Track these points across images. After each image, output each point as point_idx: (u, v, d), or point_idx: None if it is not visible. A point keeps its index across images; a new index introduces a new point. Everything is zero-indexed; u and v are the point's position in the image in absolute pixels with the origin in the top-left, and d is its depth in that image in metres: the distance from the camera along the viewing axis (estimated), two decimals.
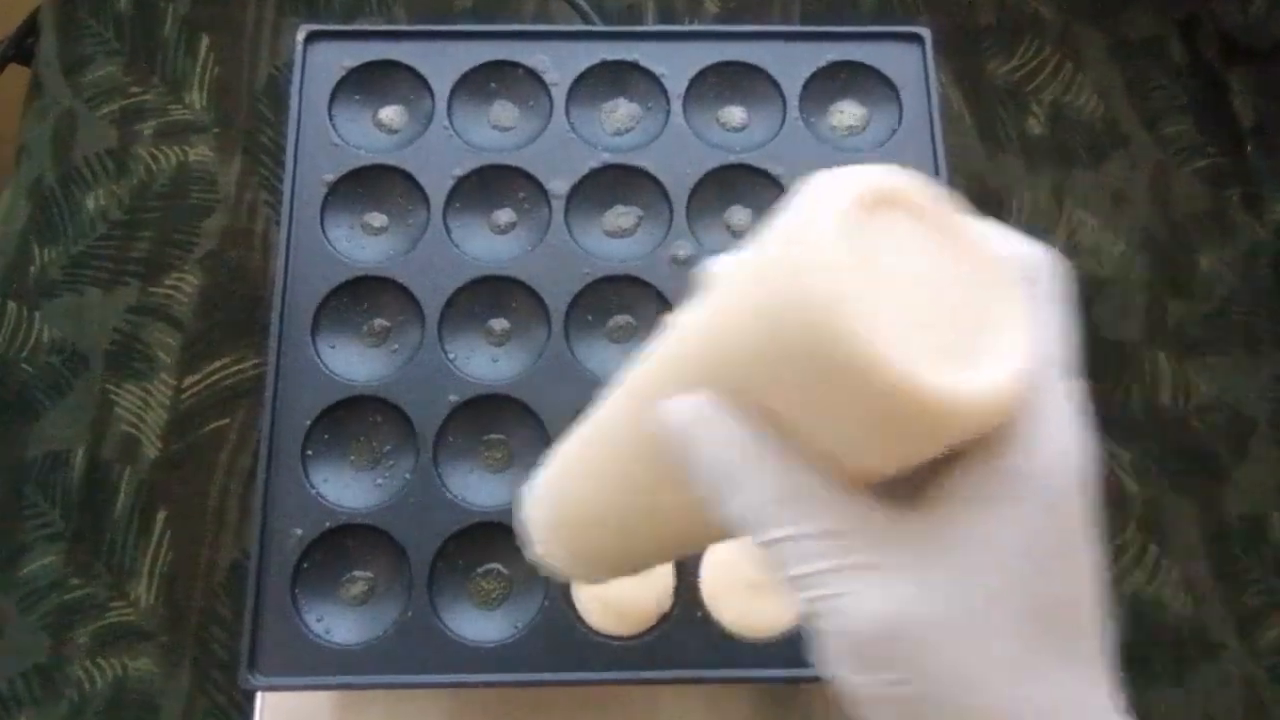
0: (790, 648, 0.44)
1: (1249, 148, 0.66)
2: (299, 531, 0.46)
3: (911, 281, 0.23)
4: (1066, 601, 0.23)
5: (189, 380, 0.60)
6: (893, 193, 0.23)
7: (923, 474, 0.24)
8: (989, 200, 0.65)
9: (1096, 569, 0.24)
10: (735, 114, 0.54)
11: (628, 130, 0.54)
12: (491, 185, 0.52)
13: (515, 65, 0.54)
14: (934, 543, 0.23)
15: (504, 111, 0.54)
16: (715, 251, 0.51)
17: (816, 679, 0.45)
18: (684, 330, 0.27)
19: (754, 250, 0.24)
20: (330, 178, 0.51)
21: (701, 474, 0.25)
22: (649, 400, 0.27)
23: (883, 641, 0.23)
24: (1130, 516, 0.58)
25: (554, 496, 0.34)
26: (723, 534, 0.27)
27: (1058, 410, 0.24)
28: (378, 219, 0.52)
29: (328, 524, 0.46)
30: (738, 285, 0.25)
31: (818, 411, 0.23)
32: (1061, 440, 0.23)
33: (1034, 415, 0.23)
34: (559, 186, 0.51)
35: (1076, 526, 0.24)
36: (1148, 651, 0.56)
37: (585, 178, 0.52)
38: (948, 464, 0.24)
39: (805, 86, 0.53)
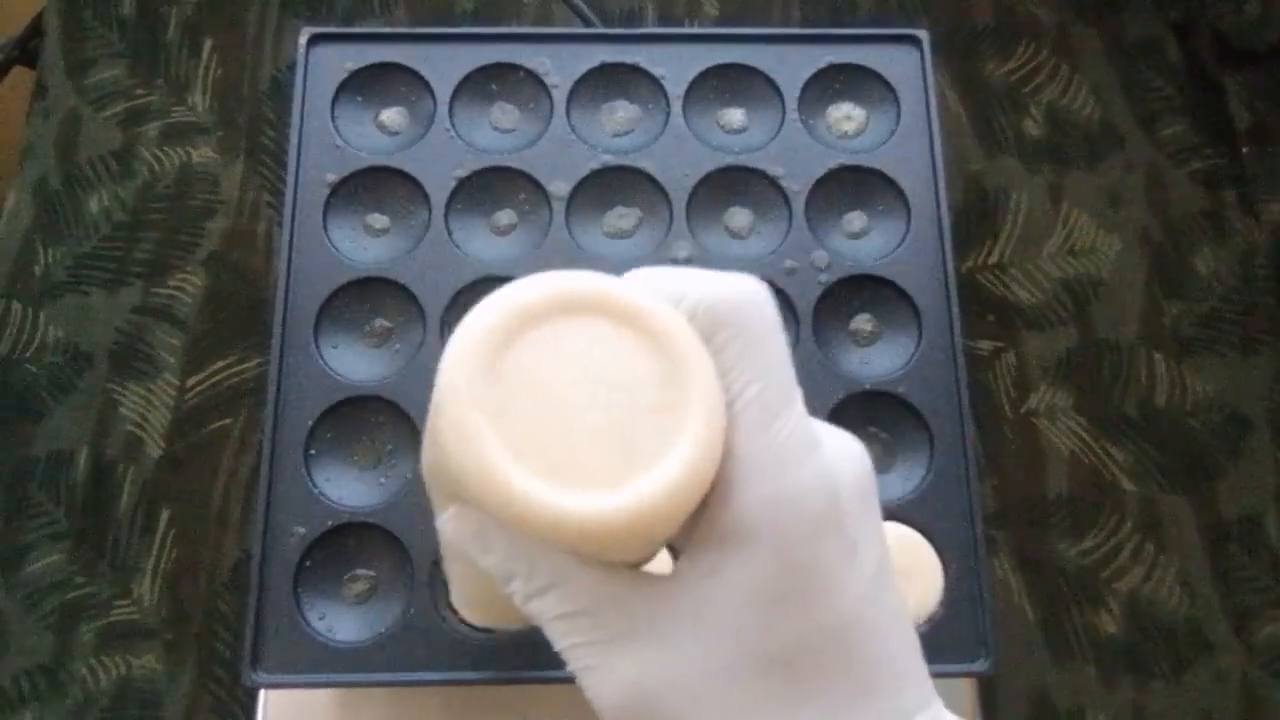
0: None
1: (1245, 149, 0.66)
2: (301, 530, 0.46)
3: (579, 388, 0.24)
4: (806, 643, 0.23)
5: (192, 380, 0.60)
6: (559, 301, 0.25)
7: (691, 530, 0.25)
8: (986, 201, 0.65)
9: (863, 586, 0.24)
10: (735, 116, 0.54)
11: (628, 132, 0.54)
12: (492, 187, 0.52)
13: (516, 67, 0.54)
14: (672, 606, 0.24)
15: (505, 113, 0.54)
16: (715, 252, 0.51)
17: None
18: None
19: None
20: (332, 179, 0.52)
21: (490, 570, 0.26)
22: (437, 505, 0.28)
23: (629, 708, 0.24)
24: (1127, 516, 0.59)
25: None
26: None
27: (763, 458, 0.24)
28: (379, 220, 0.52)
29: (330, 523, 0.46)
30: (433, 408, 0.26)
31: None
32: (770, 485, 0.24)
33: (738, 470, 0.24)
34: (560, 188, 0.52)
35: (809, 565, 0.23)
36: (1144, 650, 0.56)
37: (586, 179, 0.52)
38: (686, 530, 0.25)
39: (804, 88, 0.54)
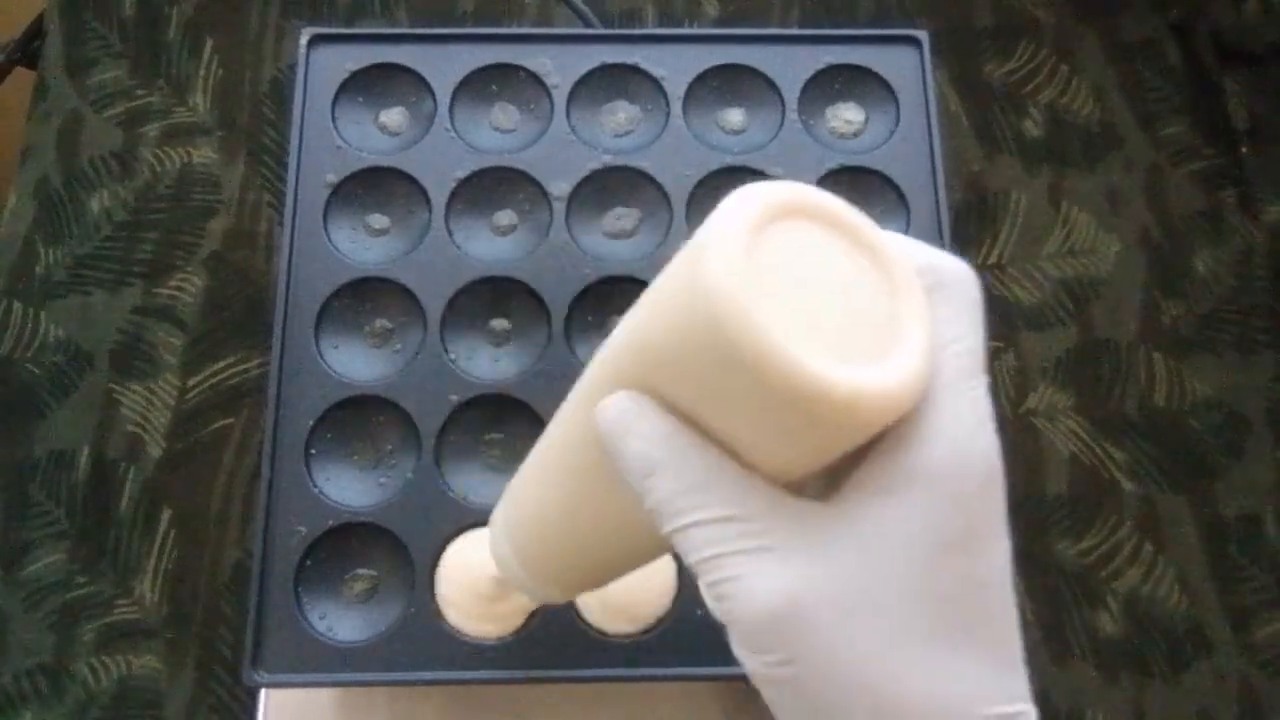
0: None
1: (1243, 149, 0.66)
2: (302, 530, 0.46)
3: (817, 287, 0.24)
4: (967, 591, 0.24)
5: (193, 380, 0.60)
6: (800, 204, 0.25)
7: (835, 473, 0.25)
8: (986, 201, 0.65)
9: (1005, 564, 0.25)
10: (734, 116, 0.54)
11: (628, 132, 0.54)
12: (493, 187, 0.52)
13: (516, 68, 0.54)
14: (832, 529, 0.24)
15: (505, 114, 0.54)
16: None
17: None
18: (615, 336, 0.29)
19: (673, 262, 0.26)
20: (333, 179, 0.52)
21: (626, 468, 0.26)
22: (590, 404, 0.28)
23: (771, 622, 0.24)
24: (1126, 515, 0.59)
25: (512, 518, 0.36)
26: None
27: (962, 409, 0.25)
28: (380, 220, 0.52)
29: (330, 522, 0.46)
30: (657, 292, 0.27)
31: (727, 409, 0.25)
32: (963, 439, 0.24)
33: (937, 413, 0.25)
34: (560, 188, 0.52)
35: (978, 521, 0.24)
36: (1143, 649, 0.56)
37: (586, 179, 0.52)
38: (855, 461, 0.25)
39: (804, 89, 0.54)
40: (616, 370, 0.28)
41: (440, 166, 0.52)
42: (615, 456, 0.27)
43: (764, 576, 0.24)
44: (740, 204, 0.25)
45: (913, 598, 0.24)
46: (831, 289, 0.25)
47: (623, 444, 0.26)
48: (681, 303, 0.25)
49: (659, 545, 0.31)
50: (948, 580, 0.24)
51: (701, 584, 0.25)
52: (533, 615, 0.45)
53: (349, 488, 0.47)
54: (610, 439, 0.27)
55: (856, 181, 0.52)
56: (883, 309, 0.25)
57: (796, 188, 0.25)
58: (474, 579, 0.45)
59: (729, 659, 0.44)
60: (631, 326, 0.28)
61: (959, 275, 0.27)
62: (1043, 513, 0.59)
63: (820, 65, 0.54)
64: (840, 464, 0.25)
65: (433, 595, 0.45)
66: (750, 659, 0.25)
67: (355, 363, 0.49)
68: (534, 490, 0.35)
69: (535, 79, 0.54)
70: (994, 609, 0.25)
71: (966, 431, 0.25)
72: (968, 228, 0.64)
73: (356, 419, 0.48)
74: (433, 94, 0.53)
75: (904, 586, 0.24)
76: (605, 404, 0.27)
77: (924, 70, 0.54)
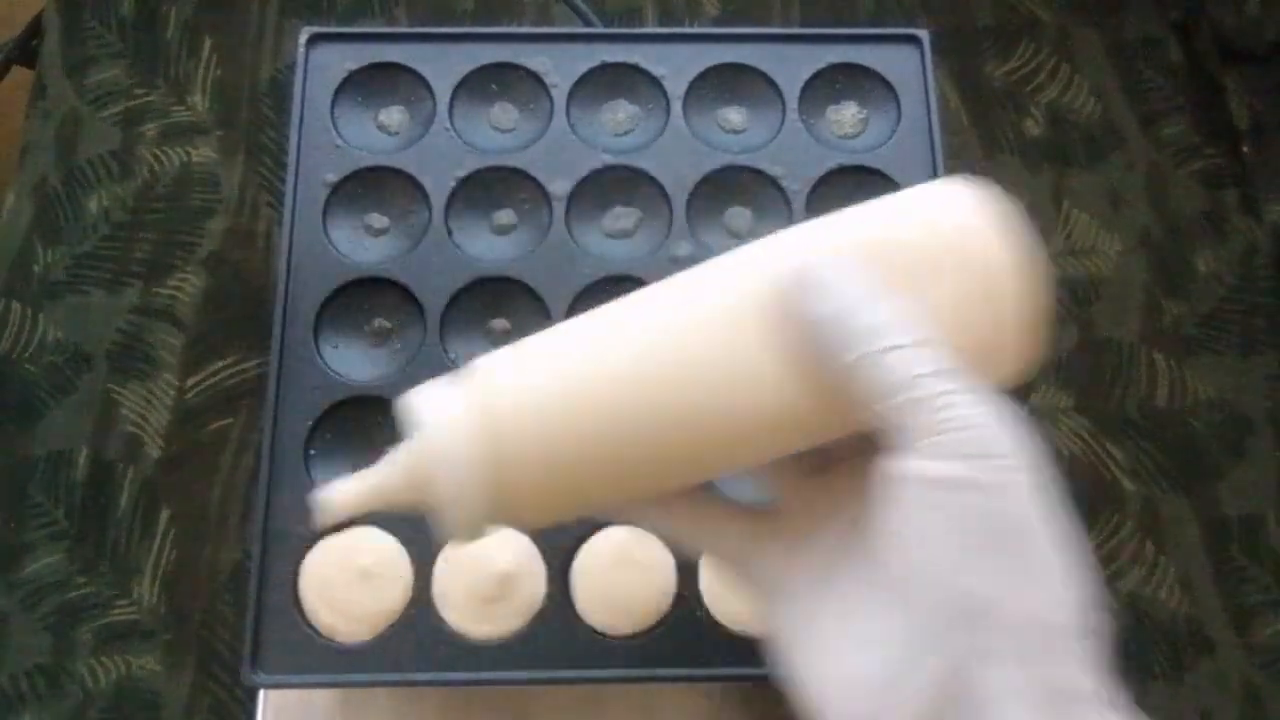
0: None
1: (1245, 149, 0.66)
2: (301, 530, 0.46)
3: None
4: None
5: (192, 380, 0.60)
6: None
7: None
8: None
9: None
10: (735, 116, 0.54)
11: (628, 132, 0.54)
12: (492, 186, 0.52)
13: (516, 67, 0.54)
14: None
15: (505, 113, 0.54)
16: (715, 252, 0.51)
17: None
18: (825, 225, 0.32)
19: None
20: (332, 179, 0.52)
21: (835, 324, 0.27)
22: (769, 271, 0.29)
23: (995, 426, 0.26)
24: (1127, 516, 0.58)
25: (550, 414, 0.28)
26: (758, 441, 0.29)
27: None
28: (379, 220, 0.52)
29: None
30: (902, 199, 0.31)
31: (952, 307, 0.29)
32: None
33: None
34: (559, 187, 0.52)
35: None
36: (1144, 649, 0.56)
37: (585, 179, 0.52)
38: None
39: (804, 88, 0.54)
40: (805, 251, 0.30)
41: (440, 166, 0.52)
42: (815, 319, 0.27)
43: (978, 398, 0.26)
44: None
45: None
46: None
47: (835, 289, 0.28)
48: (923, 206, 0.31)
49: (716, 464, 0.31)
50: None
51: (896, 422, 0.26)
52: (532, 616, 0.45)
53: None
54: (816, 300, 0.28)
55: (857, 181, 0.52)
56: None
57: None
58: (472, 578, 0.45)
59: (728, 660, 0.45)
60: (849, 219, 0.32)
61: None
62: None
63: (821, 64, 0.54)
64: None
65: (431, 595, 0.45)
66: (966, 467, 0.26)
67: (354, 363, 0.49)
68: (603, 384, 0.29)
69: (535, 78, 0.54)
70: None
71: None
72: None
73: (356, 419, 0.48)
74: (432, 93, 0.53)
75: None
76: (814, 265, 0.28)
77: (925, 69, 0.54)
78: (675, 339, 0.29)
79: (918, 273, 0.29)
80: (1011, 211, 0.30)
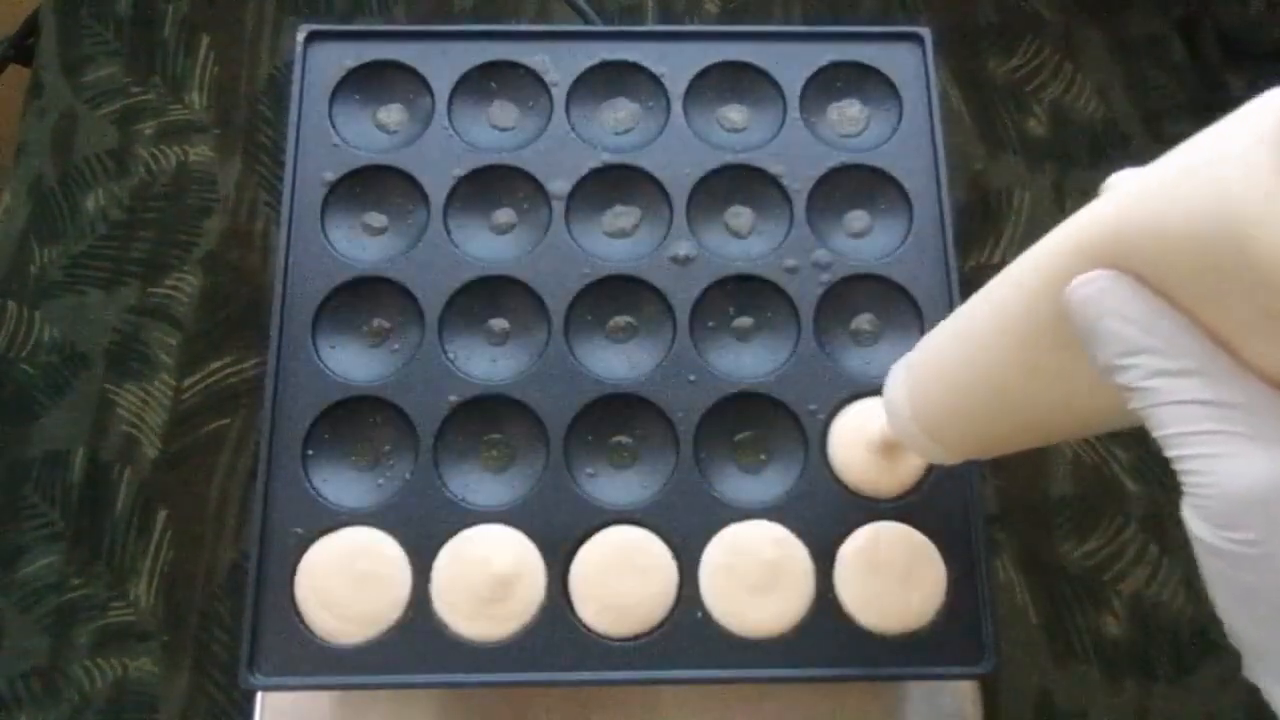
0: (790, 648, 0.44)
1: None
2: (299, 531, 0.46)
3: None
4: None
5: (189, 380, 0.60)
6: None
7: None
8: (989, 200, 0.65)
9: None
10: (736, 114, 0.54)
11: (628, 130, 0.54)
12: (491, 185, 0.52)
13: (515, 65, 0.54)
14: None
15: (504, 111, 0.54)
16: (715, 251, 0.51)
17: (815, 679, 0.45)
18: (1094, 211, 0.29)
19: (1178, 161, 0.26)
20: (330, 178, 0.51)
21: (1099, 345, 0.27)
22: (1050, 279, 0.29)
23: (1248, 502, 0.24)
24: (1131, 516, 0.58)
25: (919, 375, 0.38)
26: (1091, 417, 0.29)
27: None
28: (378, 219, 0.52)
29: (327, 524, 0.46)
30: (1162, 188, 0.26)
31: (1234, 315, 0.25)
32: None
33: None
34: (559, 186, 0.51)
35: None
36: (1148, 651, 0.56)
37: (585, 178, 0.52)
38: None
39: (805, 86, 0.53)
40: (1093, 245, 0.28)
41: (439, 164, 0.52)
42: (1085, 333, 0.27)
43: (1246, 459, 0.24)
44: (1269, 113, 0.24)
45: None
46: None
47: (1099, 323, 0.27)
48: (1203, 209, 0.24)
49: (1086, 419, 0.31)
50: None
51: (1169, 454, 0.26)
52: (531, 618, 0.45)
53: (346, 489, 0.47)
54: (1082, 316, 0.27)
55: (858, 180, 0.52)
56: None
57: None
58: (471, 580, 0.45)
59: (728, 662, 0.45)
60: (1125, 207, 0.28)
61: None
62: (1047, 514, 0.58)
63: (822, 62, 0.54)
64: None
65: (430, 597, 0.45)
66: (1213, 533, 0.25)
67: (353, 362, 0.49)
68: (957, 349, 0.36)
69: (534, 76, 0.54)
70: None
71: None
72: (971, 226, 0.64)
73: (354, 419, 0.48)
74: (431, 91, 0.53)
75: None
76: (1081, 281, 0.27)
77: (927, 67, 0.53)
78: (987, 339, 0.34)
79: (1187, 286, 0.26)
80: None
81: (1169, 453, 0.26)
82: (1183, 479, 0.26)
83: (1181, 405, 0.25)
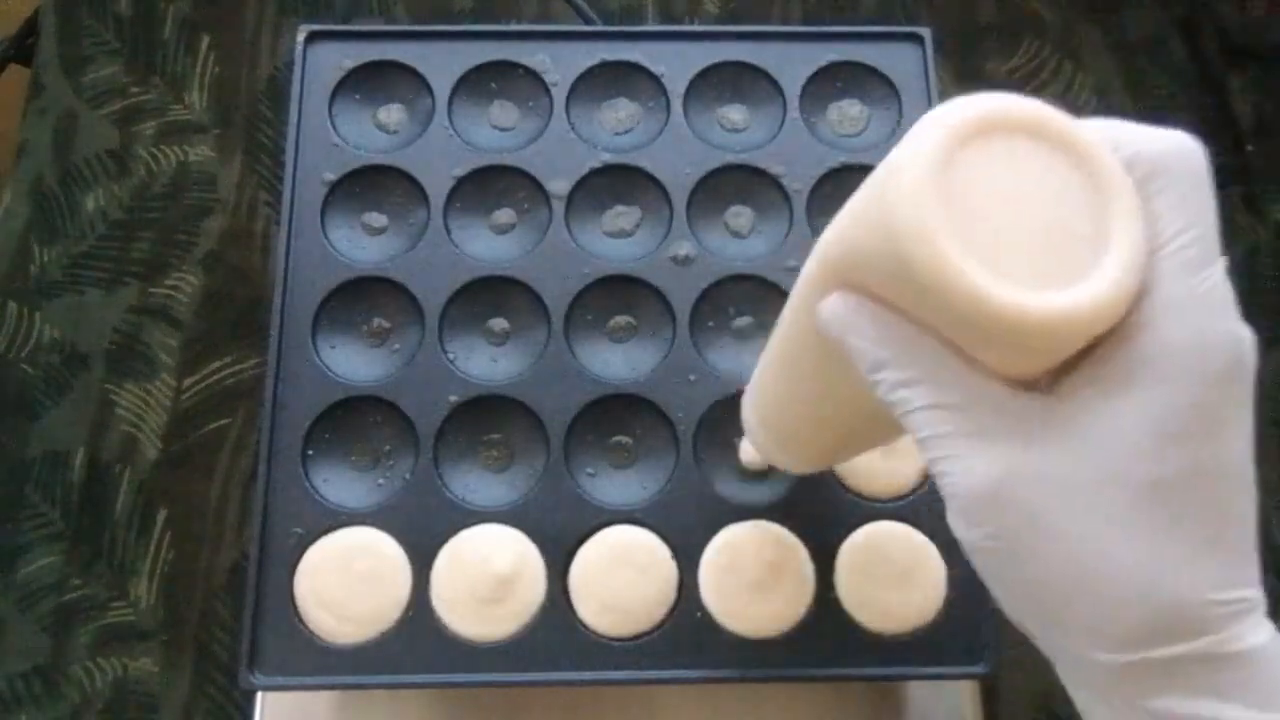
0: (790, 648, 0.44)
1: (1249, 147, 0.66)
2: (299, 531, 0.46)
3: (1017, 204, 0.25)
4: (1194, 479, 0.24)
5: (189, 380, 0.60)
6: (1003, 117, 0.25)
7: (1063, 369, 0.26)
8: None
9: (1242, 453, 0.25)
10: (735, 114, 0.54)
11: (628, 130, 0.54)
12: (491, 185, 0.52)
13: (515, 65, 0.54)
14: (1052, 418, 0.25)
15: (504, 111, 0.54)
16: (715, 252, 0.51)
17: (815, 679, 0.45)
18: (828, 232, 0.29)
19: (872, 175, 0.27)
20: (330, 178, 0.51)
21: (855, 359, 0.28)
22: (809, 299, 0.30)
23: (981, 499, 0.25)
24: None
25: (756, 394, 0.39)
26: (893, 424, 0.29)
27: (1192, 302, 0.25)
28: (378, 219, 0.52)
29: (327, 524, 0.46)
30: (861, 201, 0.27)
31: (936, 319, 0.26)
32: (1190, 328, 0.24)
33: (1164, 305, 0.24)
34: (559, 186, 0.51)
35: (1213, 409, 0.24)
36: None
37: (585, 178, 0.52)
38: (1081, 357, 0.25)
39: (805, 86, 0.53)
40: (831, 267, 0.29)
41: (438, 165, 0.52)
42: (842, 352, 0.28)
43: (978, 458, 0.25)
44: (936, 122, 0.25)
45: (1130, 485, 0.24)
46: (1033, 205, 0.25)
47: (843, 341, 0.28)
48: (875, 220, 0.25)
49: (893, 424, 0.32)
50: (1172, 468, 0.24)
51: (924, 459, 0.27)
52: (531, 618, 0.45)
53: (346, 489, 0.47)
54: (831, 338, 0.28)
55: (859, 180, 0.51)
56: (1089, 221, 0.24)
57: (999, 99, 0.25)
58: (471, 580, 0.45)
59: (727, 662, 0.44)
60: (840, 228, 0.28)
61: (1177, 153, 0.26)
62: None
63: (822, 62, 0.54)
64: (1071, 358, 0.26)
65: (430, 597, 0.45)
66: (964, 530, 0.26)
67: (353, 363, 0.49)
68: (770, 374, 0.37)
69: (534, 76, 0.54)
70: (1223, 497, 0.25)
71: (1194, 320, 0.24)
72: None
73: (354, 419, 0.48)
74: (431, 91, 0.53)
75: (1122, 474, 0.24)
76: (822, 305, 0.28)
77: (926, 67, 0.53)
78: (784, 364, 0.35)
79: (897, 295, 0.27)
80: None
81: (923, 458, 0.27)
82: (937, 482, 0.27)
83: (919, 412, 0.26)
